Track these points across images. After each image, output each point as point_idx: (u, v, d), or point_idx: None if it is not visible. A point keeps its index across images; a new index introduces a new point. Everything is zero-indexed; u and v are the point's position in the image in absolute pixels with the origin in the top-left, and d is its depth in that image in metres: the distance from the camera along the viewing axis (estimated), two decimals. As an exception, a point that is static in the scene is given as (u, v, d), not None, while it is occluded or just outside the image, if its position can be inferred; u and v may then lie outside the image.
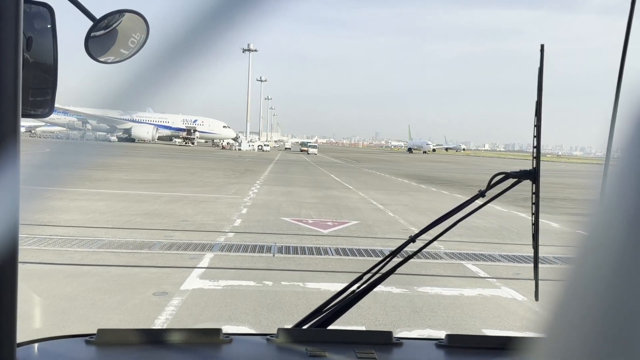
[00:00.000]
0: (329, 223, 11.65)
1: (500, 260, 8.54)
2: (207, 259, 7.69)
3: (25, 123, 72.50)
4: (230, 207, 13.53)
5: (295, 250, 8.58)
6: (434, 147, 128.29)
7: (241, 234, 9.85)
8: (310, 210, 13.74)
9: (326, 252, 8.56)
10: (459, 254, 8.88)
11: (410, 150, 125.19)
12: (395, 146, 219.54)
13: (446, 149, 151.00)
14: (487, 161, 79.42)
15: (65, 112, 75.06)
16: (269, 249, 8.54)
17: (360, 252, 8.61)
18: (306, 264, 7.74)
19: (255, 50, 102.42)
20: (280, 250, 8.55)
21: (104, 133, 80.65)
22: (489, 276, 7.48)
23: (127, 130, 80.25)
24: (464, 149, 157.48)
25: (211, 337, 1.41)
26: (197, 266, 7.23)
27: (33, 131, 78.20)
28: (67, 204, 12.35)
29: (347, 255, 8.41)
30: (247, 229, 10.37)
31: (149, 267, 7.05)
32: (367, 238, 10.00)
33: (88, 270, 6.85)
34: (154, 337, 1.38)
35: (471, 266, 8.04)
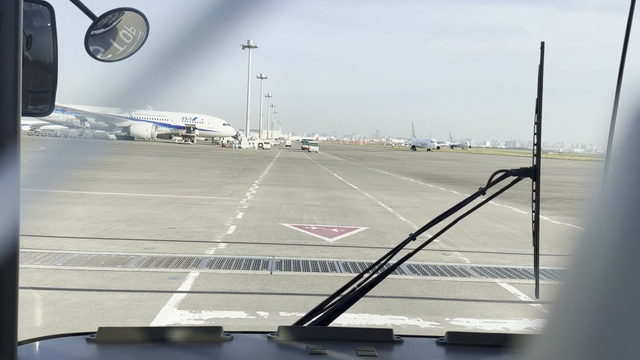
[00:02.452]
0: (335, 230, 10.35)
1: (539, 278, 7.22)
2: (190, 279, 6.40)
3: (29, 121, 71.83)
4: (225, 210, 12.23)
5: (297, 266, 7.29)
6: (439, 145, 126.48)
7: (234, 244, 8.55)
8: (313, 214, 12.44)
9: (333, 268, 7.27)
10: (489, 269, 7.58)
11: (414, 147, 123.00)
12: (396, 144, 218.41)
13: (452, 147, 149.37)
14: (491, 159, 78.07)
15: (63, 109, 74.23)
16: (265, 264, 7.25)
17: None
18: (310, 284, 6.45)
19: (255, 47, 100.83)
20: (279, 265, 7.26)
21: (103, 131, 79.80)
22: (531, 300, 6.19)
23: (126, 128, 79.26)
24: (470, 147, 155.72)
25: (212, 335, 1.39)
26: (177, 290, 5.93)
27: (37, 130, 77.72)
28: (42, 208, 11.07)
29: (359, 271, 7.11)
30: (242, 238, 9.07)
31: (118, 292, 5.75)
32: (380, 248, 8.68)
33: (43, 296, 5.57)
34: (154, 335, 1.37)
35: (507, 286, 6.74)
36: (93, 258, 7.19)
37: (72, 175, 19.23)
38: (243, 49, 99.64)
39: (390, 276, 6.12)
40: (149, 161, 30.60)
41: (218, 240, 8.75)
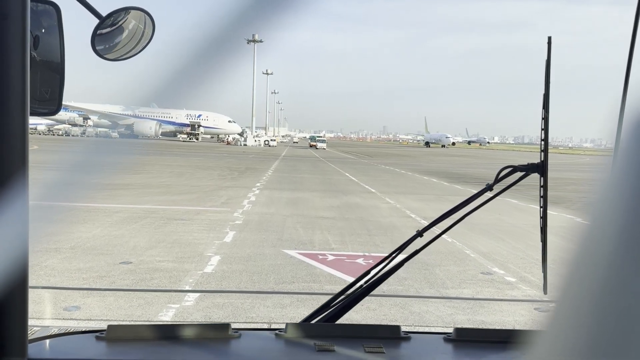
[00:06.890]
0: (360, 261, 7.34)
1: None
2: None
3: (43, 121, 70.10)
4: (211, 229, 9.26)
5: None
6: (454, 141, 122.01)
7: (211, 295, 5.57)
8: (327, 232, 9.44)
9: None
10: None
11: (427, 144, 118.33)
12: (404, 140, 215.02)
13: (469, 143, 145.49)
14: (505, 155, 74.63)
15: (66, 107, 72.52)
16: (255, 344, 4.27)
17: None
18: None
19: (261, 41, 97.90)
20: (278, 344, 4.28)
21: (106, 129, 77.96)
22: None
23: (129, 127, 77.49)
24: (488, 142, 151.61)
25: (220, 332, 1.39)
26: None
27: (51, 129, 76.99)
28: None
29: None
30: (224, 281, 6.08)
31: None
32: (434, 300, 5.63)
33: None
34: (163, 332, 1.38)
35: None
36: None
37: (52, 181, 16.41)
38: (248, 43, 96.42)
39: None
40: (143, 160, 27.64)
41: (187, 288, 5.76)
